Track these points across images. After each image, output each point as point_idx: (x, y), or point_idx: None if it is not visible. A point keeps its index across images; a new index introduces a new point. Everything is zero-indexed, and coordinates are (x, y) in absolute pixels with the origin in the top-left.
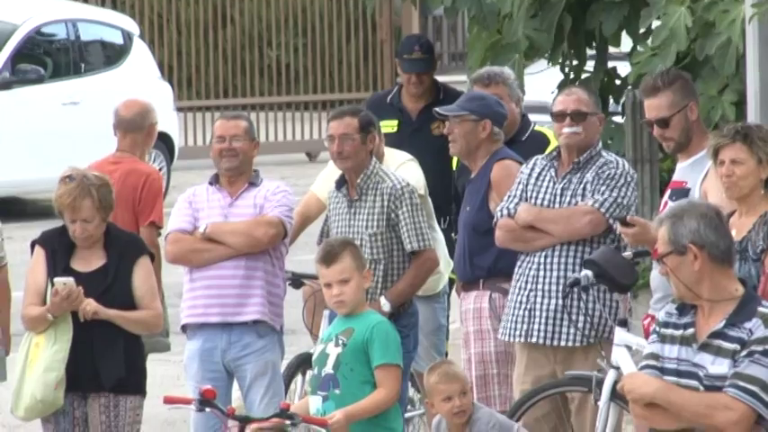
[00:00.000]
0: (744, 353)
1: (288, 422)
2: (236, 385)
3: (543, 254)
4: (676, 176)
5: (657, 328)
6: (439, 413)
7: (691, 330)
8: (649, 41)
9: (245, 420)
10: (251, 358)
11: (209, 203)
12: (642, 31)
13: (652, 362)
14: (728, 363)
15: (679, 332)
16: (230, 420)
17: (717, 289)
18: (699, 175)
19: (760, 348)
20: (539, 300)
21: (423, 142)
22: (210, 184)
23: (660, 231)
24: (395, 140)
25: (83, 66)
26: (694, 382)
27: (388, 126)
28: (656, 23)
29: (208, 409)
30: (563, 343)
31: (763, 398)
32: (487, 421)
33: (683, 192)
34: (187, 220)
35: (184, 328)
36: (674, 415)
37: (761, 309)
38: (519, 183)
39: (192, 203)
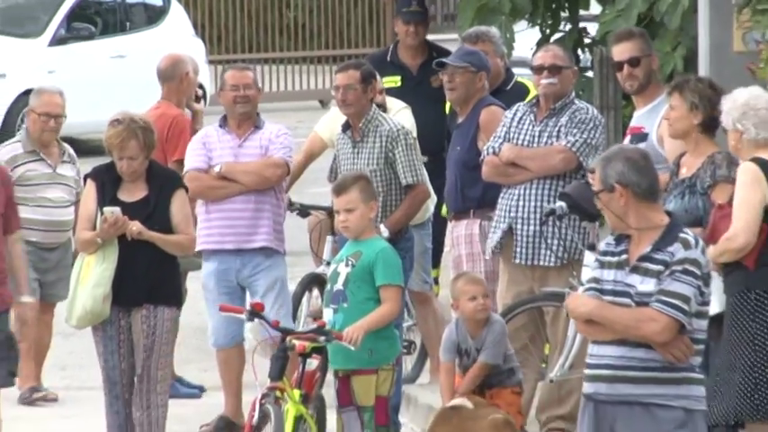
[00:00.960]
0: (667, 272)
1: (322, 338)
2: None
3: (523, 187)
4: (634, 122)
5: (598, 257)
6: (463, 313)
7: (624, 256)
8: (615, 4)
9: (286, 332)
10: (261, 275)
11: (220, 144)
12: None
13: (593, 285)
14: (654, 282)
15: (615, 258)
16: (273, 331)
17: (643, 219)
18: (654, 122)
19: (680, 268)
20: (519, 226)
21: (424, 94)
22: (220, 126)
23: (595, 173)
24: (399, 93)
25: (128, 24)
26: (627, 300)
27: (392, 81)
28: None
29: (256, 320)
30: (540, 263)
31: (683, 309)
32: (501, 327)
33: (641, 136)
34: (202, 160)
35: (199, 252)
36: (608, 328)
37: (682, 235)
38: (503, 126)
39: (206, 144)
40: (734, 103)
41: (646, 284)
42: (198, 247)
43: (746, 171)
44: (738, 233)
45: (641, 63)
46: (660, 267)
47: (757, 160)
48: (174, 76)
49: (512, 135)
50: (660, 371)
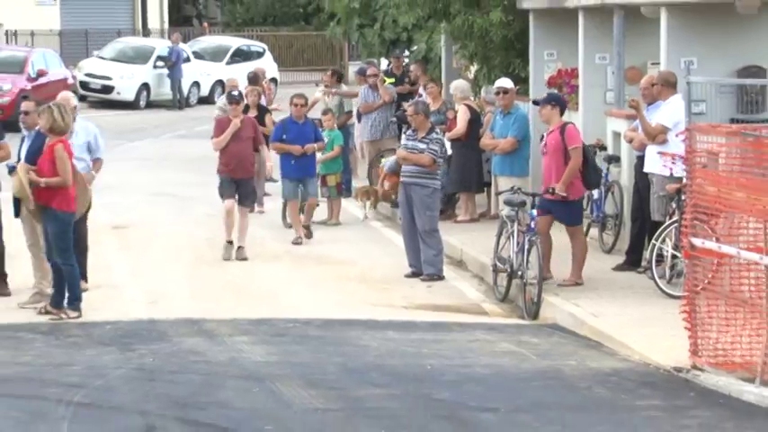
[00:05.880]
0: (429, 141)
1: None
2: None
3: (378, 111)
4: (421, 91)
5: (407, 135)
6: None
7: (416, 135)
8: (413, 51)
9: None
10: None
11: None
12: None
13: (404, 146)
14: (425, 146)
15: (412, 137)
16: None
17: (423, 125)
18: (425, 91)
19: (434, 140)
20: (376, 124)
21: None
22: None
23: (411, 107)
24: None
25: (251, 57)
26: (416, 152)
27: (390, 81)
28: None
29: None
30: (386, 137)
31: (436, 153)
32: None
33: (420, 95)
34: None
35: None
36: (410, 161)
37: (436, 129)
38: (364, 89)
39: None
40: (456, 84)
41: (422, 146)
42: None
43: (463, 107)
44: (461, 128)
45: (414, 72)
46: (428, 140)
47: (466, 105)
48: (256, 77)
49: (366, 94)
50: (426, 173)
